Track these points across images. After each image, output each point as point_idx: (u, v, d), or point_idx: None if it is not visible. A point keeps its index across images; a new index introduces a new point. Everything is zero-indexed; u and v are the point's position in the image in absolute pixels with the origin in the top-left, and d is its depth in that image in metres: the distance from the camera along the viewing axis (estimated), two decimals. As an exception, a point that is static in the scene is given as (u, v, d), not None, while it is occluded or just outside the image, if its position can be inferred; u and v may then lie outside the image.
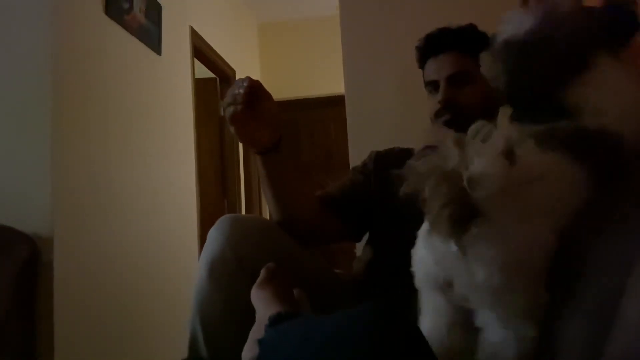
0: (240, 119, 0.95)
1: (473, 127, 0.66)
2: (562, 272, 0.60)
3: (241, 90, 0.93)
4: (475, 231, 0.58)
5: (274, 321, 0.70)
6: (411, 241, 0.74)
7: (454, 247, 0.59)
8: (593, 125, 0.67)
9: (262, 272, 0.86)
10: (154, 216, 2.49)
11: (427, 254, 0.67)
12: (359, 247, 1.38)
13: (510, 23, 0.81)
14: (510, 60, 0.79)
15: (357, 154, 1.71)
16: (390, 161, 1.21)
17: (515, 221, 0.59)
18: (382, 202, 1.15)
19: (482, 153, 0.59)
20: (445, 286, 0.66)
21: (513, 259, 0.59)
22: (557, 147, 0.63)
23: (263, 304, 0.79)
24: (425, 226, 0.66)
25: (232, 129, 0.96)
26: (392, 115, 1.79)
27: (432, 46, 1.14)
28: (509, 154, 0.59)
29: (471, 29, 1.13)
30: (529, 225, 0.60)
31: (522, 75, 0.79)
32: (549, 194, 0.62)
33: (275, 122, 0.99)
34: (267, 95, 0.98)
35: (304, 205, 1.10)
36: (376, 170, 1.20)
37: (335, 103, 3.47)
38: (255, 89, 0.95)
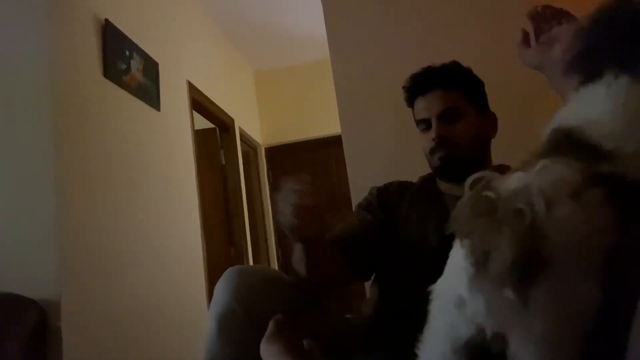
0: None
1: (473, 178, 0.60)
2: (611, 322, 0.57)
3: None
4: (542, 283, 0.52)
5: (284, 376, 0.69)
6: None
7: (512, 296, 0.53)
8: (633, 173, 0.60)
9: (270, 325, 0.85)
10: (161, 272, 2.48)
11: (476, 301, 0.58)
12: (367, 287, 1.37)
13: None
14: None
15: (358, 192, 1.71)
16: (391, 195, 1.21)
17: (578, 276, 0.54)
18: (389, 239, 1.14)
19: (551, 194, 0.53)
20: (494, 338, 0.58)
21: (573, 312, 0.55)
22: (605, 199, 0.56)
23: (273, 359, 0.77)
24: (465, 267, 0.58)
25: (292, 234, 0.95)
26: (389, 151, 1.80)
27: (418, 85, 1.16)
28: (578, 199, 0.53)
29: (455, 65, 1.15)
30: (587, 280, 0.55)
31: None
32: (603, 249, 0.56)
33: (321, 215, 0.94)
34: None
35: (327, 266, 1.07)
36: (380, 206, 1.20)
37: (334, 143, 3.50)
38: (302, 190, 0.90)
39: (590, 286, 0.54)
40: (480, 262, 0.54)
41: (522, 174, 0.58)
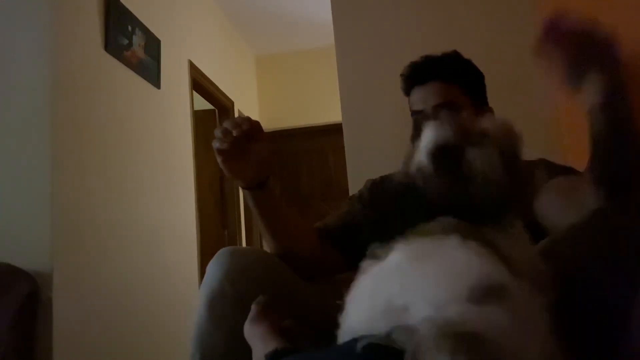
0: (225, 154, 0.93)
1: None
2: None
3: (235, 131, 0.91)
4: None
5: (272, 358, 0.69)
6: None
7: None
8: None
9: (253, 308, 0.84)
10: (154, 249, 2.48)
11: None
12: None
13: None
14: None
15: (356, 182, 1.71)
16: (386, 188, 1.20)
17: None
18: (379, 232, 1.14)
19: None
20: None
21: None
22: None
23: (259, 341, 0.77)
24: None
25: (218, 159, 0.95)
26: (390, 142, 1.79)
27: (416, 75, 1.14)
28: None
29: (455, 56, 1.13)
30: None
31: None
32: None
33: (262, 164, 0.97)
34: (262, 137, 0.95)
35: (300, 239, 1.08)
36: (372, 199, 1.19)
37: (332, 131, 3.50)
38: (250, 131, 0.92)
39: None
40: None
41: None
